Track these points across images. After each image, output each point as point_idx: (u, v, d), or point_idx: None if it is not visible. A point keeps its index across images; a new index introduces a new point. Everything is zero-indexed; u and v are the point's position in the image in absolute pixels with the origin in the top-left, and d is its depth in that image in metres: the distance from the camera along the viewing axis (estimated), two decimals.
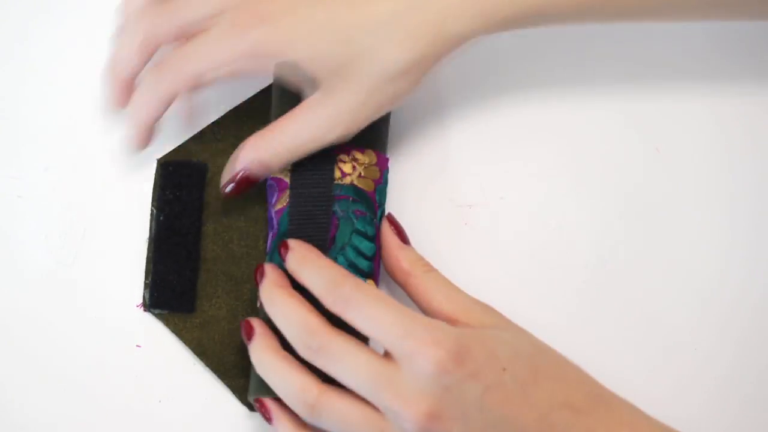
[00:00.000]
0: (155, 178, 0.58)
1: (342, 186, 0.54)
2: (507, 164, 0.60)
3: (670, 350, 0.58)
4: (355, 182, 0.54)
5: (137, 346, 0.57)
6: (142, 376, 0.57)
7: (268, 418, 0.52)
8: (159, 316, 0.57)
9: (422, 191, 0.59)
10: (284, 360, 0.50)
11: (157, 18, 0.54)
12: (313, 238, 0.53)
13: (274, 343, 0.51)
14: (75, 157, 0.60)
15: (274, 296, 0.51)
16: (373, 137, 0.55)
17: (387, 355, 0.48)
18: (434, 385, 0.47)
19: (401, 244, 0.54)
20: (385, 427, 0.48)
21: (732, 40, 0.62)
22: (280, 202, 0.55)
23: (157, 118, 0.55)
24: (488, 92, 0.61)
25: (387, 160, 0.56)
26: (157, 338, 0.57)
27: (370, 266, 0.54)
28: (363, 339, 0.51)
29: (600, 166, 0.60)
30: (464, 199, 0.59)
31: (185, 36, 0.53)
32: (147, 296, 0.57)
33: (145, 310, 0.57)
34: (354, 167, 0.55)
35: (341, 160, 0.54)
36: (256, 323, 0.52)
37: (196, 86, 0.53)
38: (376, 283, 0.54)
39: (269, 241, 0.55)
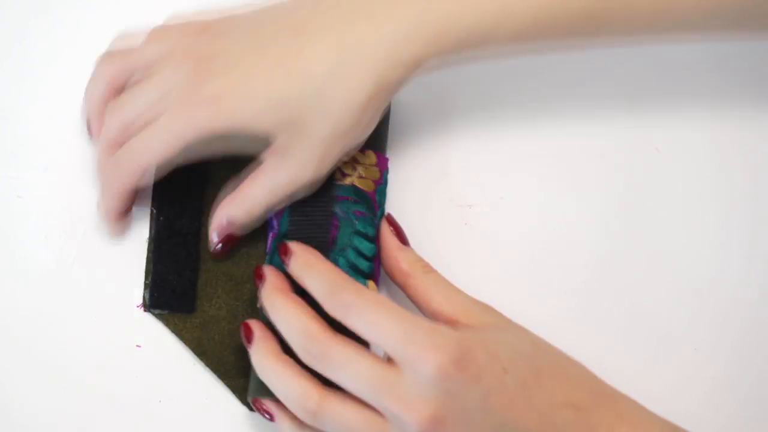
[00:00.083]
0: (157, 183, 0.58)
1: (342, 187, 0.54)
2: (507, 164, 0.60)
3: (670, 349, 0.58)
4: (356, 183, 0.54)
5: (137, 346, 0.57)
6: (142, 376, 0.57)
7: (269, 418, 0.52)
8: (159, 316, 0.57)
9: (422, 191, 0.59)
10: (285, 365, 0.50)
11: (108, 122, 0.54)
12: (313, 239, 0.53)
13: (275, 347, 0.51)
14: (75, 157, 0.59)
15: (275, 301, 0.51)
16: (373, 138, 0.55)
17: (389, 359, 0.48)
18: (436, 389, 0.47)
19: (400, 245, 0.54)
20: (388, 430, 0.48)
21: (731, 43, 0.62)
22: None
23: (124, 209, 0.56)
24: (488, 92, 0.61)
25: (387, 160, 0.56)
26: (157, 338, 0.57)
27: (371, 267, 0.54)
28: (364, 343, 0.51)
29: (600, 166, 0.60)
30: (464, 199, 0.59)
31: (134, 130, 0.53)
32: (147, 296, 0.56)
33: (145, 310, 0.57)
34: (354, 168, 0.55)
35: (341, 161, 0.54)
36: (255, 326, 0.52)
37: (149, 178, 0.53)
38: (377, 283, 0.54)
39: (269, 242, 0.55)
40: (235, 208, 0.54)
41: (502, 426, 0.48)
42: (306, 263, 0.51)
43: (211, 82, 0.51)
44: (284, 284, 0.52)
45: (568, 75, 0.61)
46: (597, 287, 0.58)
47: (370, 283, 0.54)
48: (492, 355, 0.48)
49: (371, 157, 0.55)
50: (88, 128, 0.57)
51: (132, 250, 0.58)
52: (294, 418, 0.51)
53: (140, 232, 0.58)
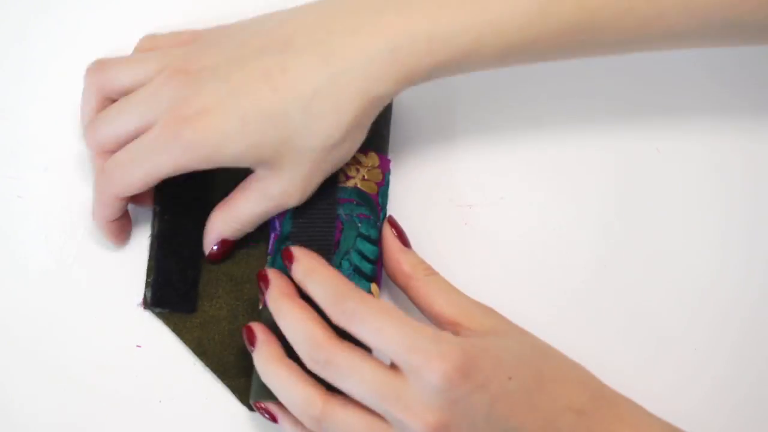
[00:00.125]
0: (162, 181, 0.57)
1: (345, 189, 0.54)
2: (507, 165, 0.60)
3: (670, 349, 0.58)
4: (359, 185, 0.54)
5: (137, 346, 0.57)
6: (142, 376, 0.57)
7: (272, 420, 0.52)
8: (159, 315, 0.57)
9: (423, 192, 0.59)
10: (288, 370, 0.50)
11: (96, 134, 0.55)
12: (316, 242, 0.53)
13: (278, 351, 0.51)
14: (75, 157, 0.59)
15: (281, 306, 0.51)
16: (376, 139, 0.55)
17: (393, 366, 0.48)
18: (442, 398, 0.47)
19: (402, 247, 0.54)
20: None
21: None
22: None
23: (114, 216, 0.56)
24: (488, 93, 0.61)
25: (389, 161, 0.56)
26: (157, 338, 0.57)
27: (373, 269, 0.54)
28: (368, 349, 0.51)
29: (600, 166, 0.60)
30: (464, 199, 0.59)
31: (123, 142, 0.54)
32: (148, 294, 0.56)
33: (145, 308, 0.57)
34: (357, 170, 0.55)
35: (344, 163, 0.54)
36: (258, 329, 0.52)
37: (138, 190, 0.53)
38: (379, 285, 0.54)
39: (270, 243, 0.55)
40: (224, 220, 0.55)
41: None
42: (309, 269, 0.51)
43: (198, 98, 0.51)
44: (290, 289, 0.52)
45: (568, 76, 0.61)
46: (597, 287, 0.58)
47: (373, 285, 0.54)
48: (496, 362, 0.48)
49: (373, 159, 0.55)
50: (85, 138, 0.56)
51: (132, 250, 0.58)
52: (297, 420, 0.51)
53: (140, 232, 0.58)
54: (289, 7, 0.54)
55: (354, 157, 0.55)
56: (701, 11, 0.51)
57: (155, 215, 0.57)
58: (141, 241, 0.58)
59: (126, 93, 0.54)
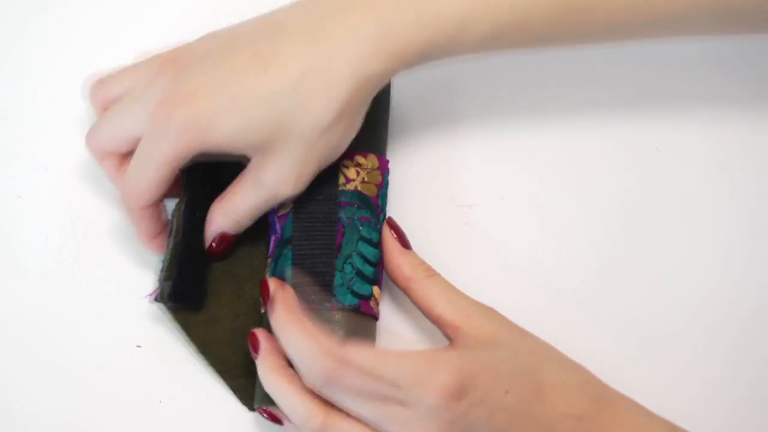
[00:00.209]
0: (188, 175, 0.56)
1: (346, 192, 0.54)
2: (507, 164, 0.60)
3: (669, 348, 0.58)
4: (359, 188, 0.54)
5: (137, 346, 0.57)
6: (142, 376, 0.57)
7: (277, 422, 0.52)
8: (169, 310, 0.55)
9: (422, 191, 0.59)
10: (290, 382, 0.50)
11: (96, 137, 0.55)
12: (318, 246, 0.53)
13: (280, 362, 0.51)
14: (75, 157, 0.59)
15: (285, 325, 0.50)
16: (374, 140, 0.55)
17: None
18: (440, 419, 0.47)
19: (402, 249, 0.54)
20: None
21: (731, 42, 0.62)
22: (284, 207, 0.54)
23: (158, 226, 0.55)
24: (488, 93, 0.61)
25: (387, 162, 0.56)
26: (157, 338, 0.57)
27: (375, 272, 0.54)
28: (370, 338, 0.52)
29: (600, 166, 0.60)
30: (464, 199, 0.59)
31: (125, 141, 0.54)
32: (166, 288, 0.54)
33: (155, 302, 0.55)
34: (357, 173, 0.55)
35: (344, 165, 0.54)
36: (262, 337, 0.52)
37: (157, 191, 0.53)
38: (380, 287, 0.54)
39: (271, 246, 0.55)
40: (221, 213, 0.54)
41: None
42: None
43: (189, 83, 0.51)
44: (293, 303, 0.51)
45: (568, 76, 0.61)
46: (597, 287, 0.58)
47: (375, 288, 0.54)
48: (493, 376, 0.48)
49: (373, 161, 0.55)
50: (87, 146, 0.56)
51: (132, 249, 0.58)
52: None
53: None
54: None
55: (354, 160, 0.55)
56: None
57: (178, 211, 0.56)
58: (139, 241, 0.58)
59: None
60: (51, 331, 0.57)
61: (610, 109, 0.61)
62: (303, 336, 0.49)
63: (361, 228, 0.54)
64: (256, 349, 0.51)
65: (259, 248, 0.57)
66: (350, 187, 0.54)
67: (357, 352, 0.48)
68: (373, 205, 0.55)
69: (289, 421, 0.51)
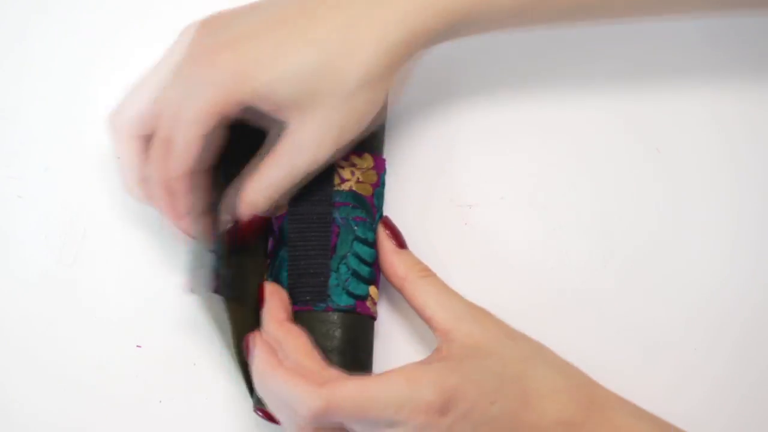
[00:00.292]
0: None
1: (341, 192, 0.54)
2: (507, 164, 0.60)
3: (670, 349, 0.58)
4: (354, 188, 0.54)
5: (137, 346, 0.57)
6: (142, 376, 0.57)
7: (274, 422, 0.52)
8: (225, 301, 0.53)
9: (422, 191, 0.59)
10: (284, 372, 0.49)
11: (126, 116, 0.53)
12: (313, 247, 0.53)
13: (273, 360, 0.50)
14: (75, 157, 0.60)
15: (264, 377, 0.50)
16: (370, 140, 0.55)
17: None
18: None
19: (396, 248, 0.54)
20: None
21: (729, 37, 0.62)
22: (281, 208, 0.55)
23: (193, 202, 0.53)
24: (488, 93, 0.61)
25: (384, 161, 0.56)
26: (157, 338, 0.57)
27: (371, 272, 0.54)
28: (368, 338, 0.52)
29: (600, 166, 0.60)
30: (464, 199, 0.59)
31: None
32: (227, 278, 0.53)
33: (216, 293, 0.53)
34: (353, 172, 0.55)
35: (339, 166, 0.54)
36: (252, 343, 0.51)
37: (196, 152, 0.51)
38: (377, 287, 0.54)
39: (270, 245, 0.55)
40: (254, 189, 0.53)
41: None
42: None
43: (229, 31, 0.50)
44: (269, 352, 0.50)
45: (568, 76, 0.61)
46: (597, 287, 0.58)
47: (372, 288, 0.54)
48: (477, 388, 0.48)
49: (368, 161, 0.55)
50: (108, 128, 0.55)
51: (132, 249, 0.58)
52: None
53: (140, 232, 0.58)
54: None
55: (349, 160, 0.55)
56: None
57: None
58: (140, 241, 0.58)
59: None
60: (51, 331, 0.57)
61: (610, 108, 0.61)
62: (283, 383, 0.48)
63: (356, 228, 0.54)
64: (248, 354, 0.51)
65: (264, 244, 0.56)
66: (345, 187, 0.54)
67: (340, 388, 0.47)
68: (368, 204, 0.54)
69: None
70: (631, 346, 0.58)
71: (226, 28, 0.51)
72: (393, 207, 0.58)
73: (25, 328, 0.57)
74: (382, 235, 0.54)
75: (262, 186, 0.52)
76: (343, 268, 0.53)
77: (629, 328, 0.58)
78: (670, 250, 0.59)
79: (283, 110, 0.51)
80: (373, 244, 0.54)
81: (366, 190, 0.55)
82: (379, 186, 0.55)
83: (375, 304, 0.54)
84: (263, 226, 0.54)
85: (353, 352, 0.53)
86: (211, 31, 0.52)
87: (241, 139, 0.53)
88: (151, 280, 0.58)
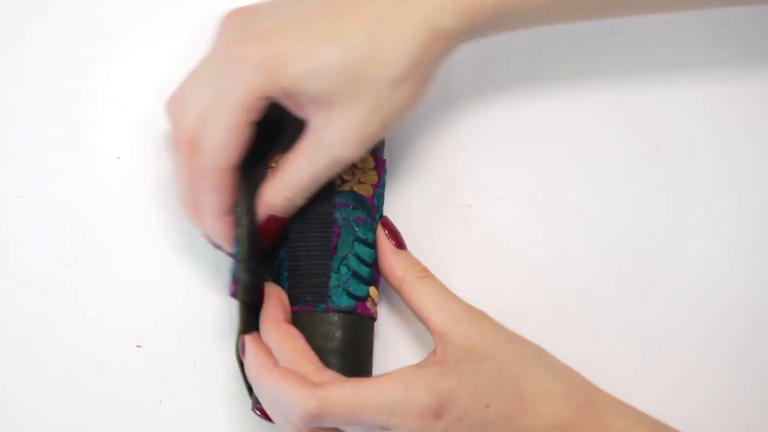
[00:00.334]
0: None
1: (341, 193, 0.54)
2: (507, 164, 0.60)
3: (670, 350, 0.58)
4: (355, 188, 0.54)
5: (137, 346, 0.57)
6: (142, 376, 0.57)
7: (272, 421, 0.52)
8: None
9: (422, 191, 0.59)
10: (279, 374, 0.49)
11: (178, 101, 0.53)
12: (314, 248, 0.53)
13: (268, 361, 0.50)
14: (75, 157, 0.59)
15: (258, 379, 0.50)
16: None
17: None
18: None
19: (395, 249, 0.54)
20: None
21: (729, 36, 0.62)
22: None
23: (228, 202, 0.53)
24: (488, 93, 0.61)
25: (384, 161, 0.56)
26: (157, 338, 0.57)
27: (371, 273, 0.54)
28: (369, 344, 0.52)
29: (600, 166, 0.60)
30: (464, 199, 0.59)
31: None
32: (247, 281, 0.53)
33: (233, 298, 0.53)
34: (353, 173, 0.54)
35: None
36: (247, 344, 0.51)
37: (233, 145, 0.51)
38: (377, 288, 0.54)
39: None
40: (274, 191, 0.52)
41: None
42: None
43: (258, 25, 0.50)
44: (263, 353, 0.51)
45: (568, 76, 0.61)
46: (597, 287, 0.58)
47: (372, 289, 0.54)
48: (472, 391, 0.48)
49: (369, 161, 0.55)
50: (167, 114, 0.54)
51: (132, 250, 0.58)
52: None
53: (140, 232, 0.58)
54: None
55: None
56: None
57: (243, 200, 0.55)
58: (140, 241, 0.58)
59: None
60: (51, 331, 0.57)
61: (610, 108, 0.61)
62: (278, 385, 0.48)
63: (357, 229, 0.54)
64: (243, 352, 0.51)
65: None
66: (346, 187, 0.54)
67: (334, 391, 0.47)
68: (368, 205, 0.54)
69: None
70: (631, 345, 0.58)
71: (252, 22, 0.51)
72: (393, 207, 0.58)
73: (25, 328, 0.57)
74: (382, 235, 0.54)
75: (282, 185, 0.52)
76: (343, 269, 0.53)
77: (629, 327, 0.58)
78: (670, 250, 0.59)
79: (308, 107, 0.51)
80: (373, 245, 0.54)
81: (366, 191, 0.55)
82: (379, 186, 0.55)
83: (375, 305, 0.54)
84: (280, 228, 0.54)
85: (353, 353, 0.53)
86: (237, 25, 0.52)
87: (258, 138, 0.53)
88: (151, 280, 0.58)
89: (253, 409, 0.53)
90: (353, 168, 0.54)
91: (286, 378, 0.48)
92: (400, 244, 0.54)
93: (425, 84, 0.52)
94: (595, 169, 0.60)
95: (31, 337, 0.57)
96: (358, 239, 0.53)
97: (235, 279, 0.53)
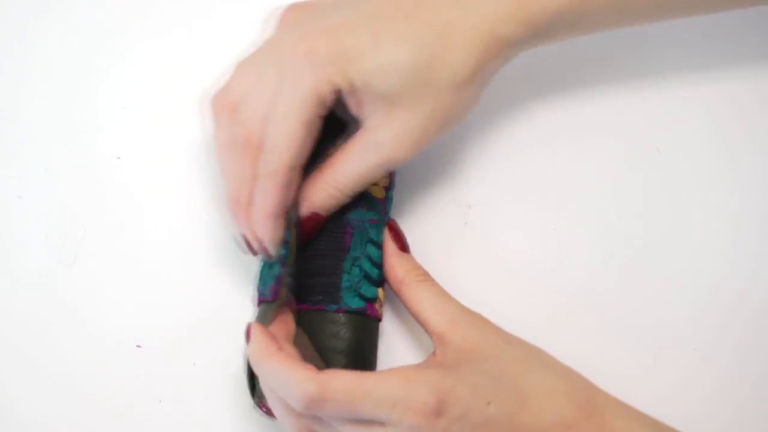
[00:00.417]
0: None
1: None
2: (507, 164, 0.60)
3: (670, 350, 0.58)
4: (369, 190, 0.54)
5: (137, 346, 0.57)
6: (142, 376, 0.57)
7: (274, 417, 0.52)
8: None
9: (422, 191, 0.59)
10: (281, 358, 0.49)
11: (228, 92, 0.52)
12: (327, 248, 0.53)
13: (271, 346, 0.50)
14: (75, 157, 0.60)
15: (260, 362, 0.49)
16: None
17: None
18: None
19: (398, 251, 0.54)
20: None
21: (728, 37, 0.62)
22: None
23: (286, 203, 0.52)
24: (488, 93, 0.61)
25: None
26: (157, 338, 0.57)
27: (380, 274, 0.54)
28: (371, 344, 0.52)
29: (600, 166, 0.60)
30: (464, 199, 0.59)
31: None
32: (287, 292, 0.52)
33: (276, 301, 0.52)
34: None
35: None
36: (252, 329, 0.51)
37: (299, 141, 0.50)
38: (383, 289, 0.54)
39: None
40: (319, 186, 0.52)
41: None
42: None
43: (327, 20, 0.50)
44: (268, 338, 0.50)
45: (567, 76, 0.61)
46: (597, 287, 0.58)
47: (380, 290, 0.54)
48: (473, 390, 0.48)
49: None
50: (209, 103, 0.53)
51: (132, 250, 0.58)
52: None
53: (140, 232, 0.58)
54: None
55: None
56: None
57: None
58: (140, 241, 0.58)
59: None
60: (51, 331, 0.57)
61: (610, 108, 0.61)
62: (279, 368, 0.48)
63: (369, 230, 0.54)
64: (248, 338, 0.51)
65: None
66: None
67: (336, 377, 0.47)
68: (380, 206, 0.54)
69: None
70: (631, 346, 0.58)
71: (315, 18, 0.51)
72: (393, 207, 0.58)
73: (25, 327, 0.57)
74: (387, 237, 0.54)
75: (329, 183, 0.52)
76: (356, 270, 0.53)
77: (629, 328, 0.58)
78: (670, 251, 0.59)
79: (369, 104, 0.51)
80: (381, 247, 0.54)
81: (379, 193, 0.55)
82: (390, 188, 0.55)
83: (382, 305, 0.54)
84: (320, 227, 0.53)
85: (361, 354, 0.53)
86: (298, 21, 0.52)
87: None
88: (151, 280, 0.58)
89: (256, 405, 0.53)
90: None
91: (288, 360, 0.48)
92: (403, 247, 0.54)
93: (482, 90, 0.52)
94: (595, 169, 0.60)
95: (30, 336, 0.57)
96: (370, 241, 0.53)
97: (278, 281, 0.52)
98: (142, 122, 0.60)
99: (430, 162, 0.60)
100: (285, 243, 0.52)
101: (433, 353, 0.51)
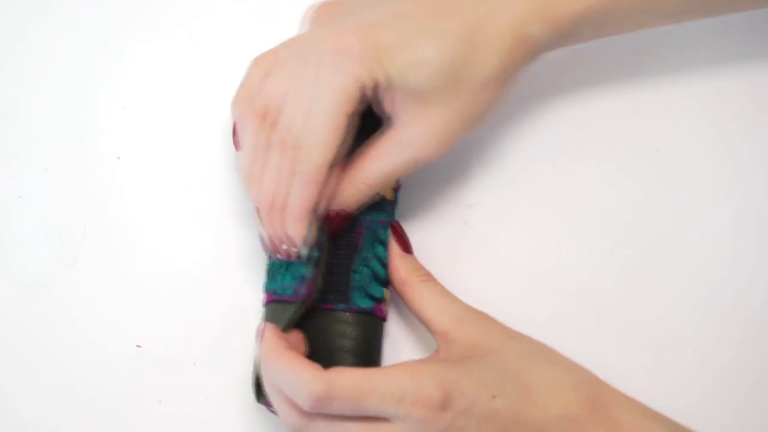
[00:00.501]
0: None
1: None
2: (507, 164, 0.60)
3: (670, 349, 0.58)
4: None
5: (137, 346, 0.57)
6: (142, 376, 0.57)
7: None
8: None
9: (422, 191, 0.59)
10: (291, 358, 0.49)
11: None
12: (339, 247, 0.53)
13: (282, 344, 0.50)
14: (75, 157, 0.59)
15: (269, 360, 0.50)
16: None
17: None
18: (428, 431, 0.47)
19: (401, 252, 0.54)
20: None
21: (728, 37, 0.62)
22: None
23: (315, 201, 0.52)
24: None
25: None
26: (157, 338, 0.57)
27: (386, 275, 0.54)
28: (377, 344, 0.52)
29: (600, 166, 0.60)
30: (464, 199, 0.59)
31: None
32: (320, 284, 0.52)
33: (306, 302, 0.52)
34: None
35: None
36: (266, 329, 0.51)
37: (333, 141, 0.50)
38: (389, 288, 0.54)
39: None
40: (349, 183, 0.52)
41: None
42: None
43: (358, 17, 0.50)
44: (278, 338, 0.50)
45: (567, 76, 0.61)
46: (597, 287, 0.58)
47: (386, 290, 0.54)
48: (478, 383, 0.48)
49: None
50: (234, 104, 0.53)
51: (132, 249, 0.58)
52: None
53: (140, 232, 0.58)
54: None
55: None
56: None
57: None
58: (140, 241, 0.58)
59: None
60: (51, 331, 0.57)
61: (609, 108, 0.61)
62: (287, 367, 0.48)
63: (379, 231, 0.54)
64: (260, 337, 0.51)
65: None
66: None
67: (342, 374, 0.47)
68: (389, 207, 0.55)
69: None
70: (631, 346, 0.58)
71: (348, 15, 0.52)
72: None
73: (25, 327, 0.57)
74: (391, 238, 0.54)
75: (359, 177, 0.52)
76: (366, 271, 0.53)
77: (629, 327, 0.58)
78: (670, 250, 0.59)
79: (401, 102, 0.51)
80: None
81: (389, 193, 0.55)
82: (398, 189, 0.55)
83: (388, 305, 0.54)
84: (346, 224, 0.53)
85: (367, 354, 0.53)
86: (331, 18, 0.52)
87: None
88: (151, 280, 0.58)
89: (259, 402, 0.53)
90: None
91: (296, 359, 0.48)
92: (407, 249, 0.54)
93: (506, 89, 0.53)
94: (595, 169, 0.60)
95: (30, 336, 0.57)
96: (380, 241, 0.54)
97: (310, 282, 0.51)
98: (142, 122, 0.60)
99: (430, 162, 0.60)
100: (319, 246, 0.52)
101: (437, 351, 0.51)
